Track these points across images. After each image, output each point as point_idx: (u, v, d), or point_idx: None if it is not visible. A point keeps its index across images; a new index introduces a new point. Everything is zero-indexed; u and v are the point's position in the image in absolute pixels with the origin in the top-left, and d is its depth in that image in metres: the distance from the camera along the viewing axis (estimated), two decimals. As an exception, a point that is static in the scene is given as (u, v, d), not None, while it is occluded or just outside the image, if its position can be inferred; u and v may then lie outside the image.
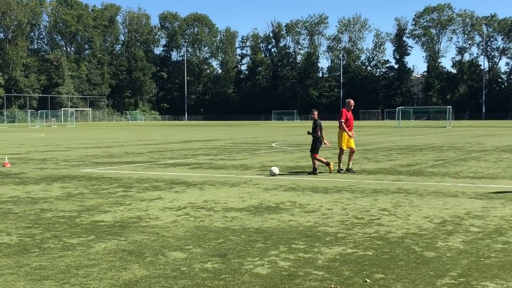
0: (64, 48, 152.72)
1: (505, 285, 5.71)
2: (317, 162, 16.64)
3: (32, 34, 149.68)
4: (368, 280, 5.84)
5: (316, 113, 17.25)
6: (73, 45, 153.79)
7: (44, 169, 18.37)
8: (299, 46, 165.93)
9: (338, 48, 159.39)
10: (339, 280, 5.87)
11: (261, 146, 30.64)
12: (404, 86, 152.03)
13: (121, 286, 5.68)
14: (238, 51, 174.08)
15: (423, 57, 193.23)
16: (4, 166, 19.00)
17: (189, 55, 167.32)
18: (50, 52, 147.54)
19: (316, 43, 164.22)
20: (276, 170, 15.78)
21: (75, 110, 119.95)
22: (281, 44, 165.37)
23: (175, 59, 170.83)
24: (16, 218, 9.51)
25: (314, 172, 16.27)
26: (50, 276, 6.04)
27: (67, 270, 6.29)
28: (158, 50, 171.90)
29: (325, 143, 16.99)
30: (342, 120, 17.21)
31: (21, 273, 6.16)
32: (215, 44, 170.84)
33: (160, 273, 6.13)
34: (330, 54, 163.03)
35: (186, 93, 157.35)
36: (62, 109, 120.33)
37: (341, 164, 17.12)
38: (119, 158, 22.58)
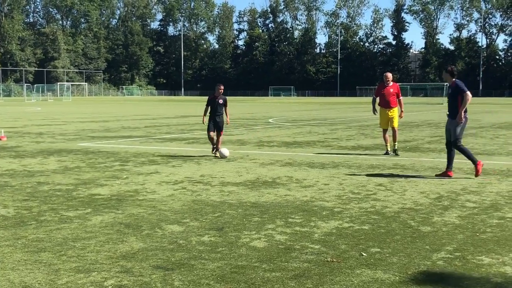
0: (60, 22, 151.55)
1: (500, 260, 5.74)
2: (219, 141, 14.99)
3: (28, 7, 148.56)
4: (364, 254, 5.87)
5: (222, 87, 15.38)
6: (69, 19, 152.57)
7: (40, 142, 18.34)
8: (297, 22, 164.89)
9: (336, 23, 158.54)
10: (335, 253, 5.90)
11: (258, 122, 30.62)
12: (402, 63, 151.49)
13: (118, 258, 5.70)
14: (235, 26, 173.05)
15: (421, 33, 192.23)
16: (0, 139, 18.95)
17: (185, 29, 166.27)
18: (46, 25, 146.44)
19: (314, 19, 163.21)
20: (226, 152, 14.29)
21: (71, 85, 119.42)
22: (279, 20, 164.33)
23: (172, 34, 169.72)
24: (13, 191, 9.51)
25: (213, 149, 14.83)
26: (47, 248, 6.05)
27: (64, 242, 6.31)
28: (154, 25, 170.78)
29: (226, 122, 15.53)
30: (373, 96, 15.68)
31: (19, 245, 6.17)
32: (212, 18, 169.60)
33: (157, 246, 6.15)
34: (328, 30, 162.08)
35: (182, 68, 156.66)
36: (58, 83, 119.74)
37: (387, 145, 15.16)
38: (115, 133, 22.55)
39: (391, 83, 15.21)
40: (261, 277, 5.15)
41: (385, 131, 15.26)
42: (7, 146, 17.18)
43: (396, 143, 15.20)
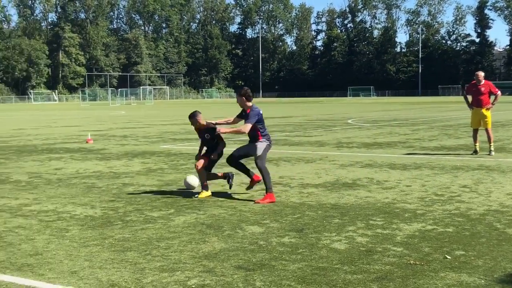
0: (142, 27, 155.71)
1: None
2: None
3: (112, 13, 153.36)
4: (448, 257, 5.74)
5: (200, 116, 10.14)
6: (151, 24, 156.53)
7: (125, 145, 18.89)
8: (376, 21, 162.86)
9: (417, 22, 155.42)
10: (418, 256, 5.80)
11: (337, 123, 30.42)
12: (486, 61, 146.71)
13: (200, 258, 5.80)
14: (313, 27, 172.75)
15: (505, 30, 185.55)
16: (87, 142, 19.66)
17: (264, 32, 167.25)
18: (129, 31, 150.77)
19: (394, 17, 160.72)
20: (193, 181, 10.02)
21: (153, 88, 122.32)
22: (358, 19, 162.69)
23: (250, 37, 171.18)
24: (100, 192, 9.85)
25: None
26: (133, 248, 6.23)
27: (149, 242, 6.48)
28: (233, 28, 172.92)
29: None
30: (464, 94, 15.41)
31: (106, 245, 6.39)
32: (290, 20, 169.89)
33: (238, 246, 6.23)
34: (408, 28, 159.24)
35: (261, 70, 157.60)
36: (141, 87, 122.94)
37: (476, 144, 14.76)
38: (196, 135, 22.84)
39: (483, 82, 14.80)
40: (343, 279, 5.13)
41: (475, 131, 14.90)
42: (93, 148, 17.79)
43: (491, 144, 14.74)
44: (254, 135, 9.18)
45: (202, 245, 6.30)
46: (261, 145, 9.11)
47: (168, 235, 6.79)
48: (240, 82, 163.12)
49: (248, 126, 9.01)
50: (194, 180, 9.88)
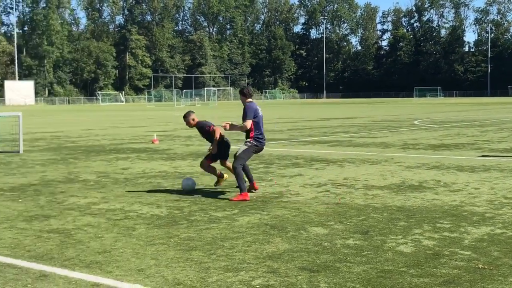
0: (207, 29, 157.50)
1: None
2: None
3: (177, 15, 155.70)
4: (519, 263, 5.56)
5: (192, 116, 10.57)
6: (215, 26, 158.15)
7: (189, 145, 19.13)
8: (443, 20, 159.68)
9: (485, 21, 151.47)
10: (487, 260, 5.64)
11: (403, 124, 29.95)
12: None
13: (264, 259, 5.81)
14: (379, 26, 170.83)
15: None
16: (153, 142, 20.01)
17: (328, 32, 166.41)
18: (194, 33, 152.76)
19: (462, 16, 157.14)
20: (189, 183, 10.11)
21: (217, 89, 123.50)
22: (424, 18, 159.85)
23: (314, 37, 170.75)
24: (165, 192, 10.00)
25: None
26: (198, 247, 6.30)
27: (214, 241, 6.54)
28: (297, 28, 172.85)
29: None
30: None
31: (171, 243, 6.48)
32: (354, 20, 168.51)
33: (302, 248, 6.21)
34: (477, 27, 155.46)
35: (325, 70, 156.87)
36: (205, 88, 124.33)
37: None
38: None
39: None
40: (409, 283, 5.04)
41: None
42: (159, 149, 18.08)
43: None
44: (247, 133, 9.57)
45: (266, 246, 6.31)
46: (244, 146, 9.47)
47: (232, 235, 6.83)
48: (304, 82, 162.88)
49: (249, 122, 9.40)
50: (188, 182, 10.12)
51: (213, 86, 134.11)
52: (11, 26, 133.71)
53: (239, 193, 9.17)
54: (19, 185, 11.00)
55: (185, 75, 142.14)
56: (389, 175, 11.67)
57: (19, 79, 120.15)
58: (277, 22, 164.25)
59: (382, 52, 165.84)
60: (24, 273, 5.44)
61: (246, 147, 9.44)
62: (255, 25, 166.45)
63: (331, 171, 12.39)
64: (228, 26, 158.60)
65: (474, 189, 9.82)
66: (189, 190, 9.94)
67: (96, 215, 8.07)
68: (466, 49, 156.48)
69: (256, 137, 9.46)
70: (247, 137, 9.54)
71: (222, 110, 60.96)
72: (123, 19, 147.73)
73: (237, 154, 9.42)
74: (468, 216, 7.66)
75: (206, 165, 10.20)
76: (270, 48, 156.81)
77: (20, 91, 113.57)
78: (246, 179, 9.62)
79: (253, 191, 9.75)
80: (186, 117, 10.40)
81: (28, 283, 5.15)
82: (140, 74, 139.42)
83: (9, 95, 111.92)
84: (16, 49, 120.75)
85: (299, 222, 7.43)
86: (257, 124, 9.48)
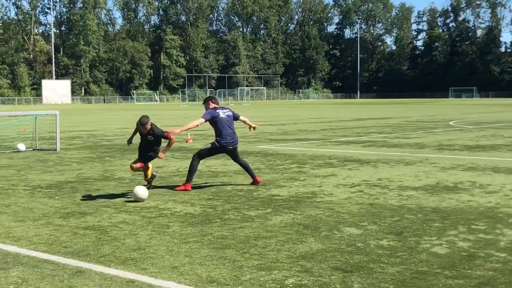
0: (241, 29, 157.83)
1: None
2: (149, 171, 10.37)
3: (211, 16, 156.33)
4: (557, 266, 5.47)
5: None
6: (249, 26, 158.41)
7: (223, 145, 19.17)
8: (479, 20, 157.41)
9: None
10: (524, 264, 5.57)
11: (438, 124, 29.63)
12: None
13: (298, 258, 5.82)
14: (414, 26, 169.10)
15: None
16: (187, 141, 20.14)
17: (362, 32, 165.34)
18: (228, 33, 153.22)
19: (498, 16, 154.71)
20: (141, 192, 9.07)
21: (251, 89, 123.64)
22: (460, 18, 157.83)
23: (348, 37, 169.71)
24: (199, 190, 10.07)
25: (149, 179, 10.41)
26: (231, 246, 6.33)
27: (247, 240, 6.56)
28: (331, 28, 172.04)
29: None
30: None
31: (205, 241, 6.53)
32: (389, 20, 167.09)
33: (335, 248, 6.20)
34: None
35: (358, 70, 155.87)
36: (239, 88, 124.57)
37: None
38: (292, 135, 23.00)
39: None
40: (443, 284, 5.00)
41: None
42: (193, 148, 18.19)
43: None
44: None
45: (299, 245, 6.31)
46: (208, 144, 10.54)
47: (266, 234, 6.85)
48: (338, 82, 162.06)
49: (197, 121, 10.40)
50: (142, 192, 9.03)
51: (247, 85, 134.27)
52: (48, 26, 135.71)
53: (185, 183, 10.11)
54: (56, 182, 11.18)
55: (218, 74, 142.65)
56: (424, 176, 11.56)
57: (56, 78, 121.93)
58: (311, 22, 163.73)
59: (417, 52, 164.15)
60: (61, 269, 5.54)
61: (208, 145, 10.52)
62: (289, 25, 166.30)
63: (365, 171, 12.33)
64: (262, 26, 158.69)
65: (510, 190, 9.68)
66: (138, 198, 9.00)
67: (131, 213, 8.17)
68: (503, 49, 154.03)
69: (220, 138, 10.34)
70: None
71: (255, 110, 61.04)
72: (158, 19, 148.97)
73: (199, 149, 10.62)
74: (504, 218, 7.56)
75: (136, 167, 10.14)
76: (304, 48, 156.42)
77: (57, 90, 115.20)
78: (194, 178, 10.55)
79: (256, 184, 10.51)
80: (146, 122, 9.97)
81: (65, 279, 5.24)
82: (175, 73, 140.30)
83: (46, 94, 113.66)
84: (53, 49, 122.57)
85: (332, 222, 7.42)
86: (216, 126, 10.41)
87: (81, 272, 5.43)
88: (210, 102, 10.81)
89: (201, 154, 10.40)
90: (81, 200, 9.26)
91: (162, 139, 10.22)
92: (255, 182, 10.54)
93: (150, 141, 10.04)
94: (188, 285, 5.06)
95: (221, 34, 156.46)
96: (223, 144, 10.33)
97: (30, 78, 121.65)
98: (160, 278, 5.25)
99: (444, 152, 16.17)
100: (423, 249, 6.11)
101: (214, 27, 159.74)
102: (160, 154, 10.06)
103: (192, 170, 10.20)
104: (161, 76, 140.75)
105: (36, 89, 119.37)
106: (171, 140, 10.10)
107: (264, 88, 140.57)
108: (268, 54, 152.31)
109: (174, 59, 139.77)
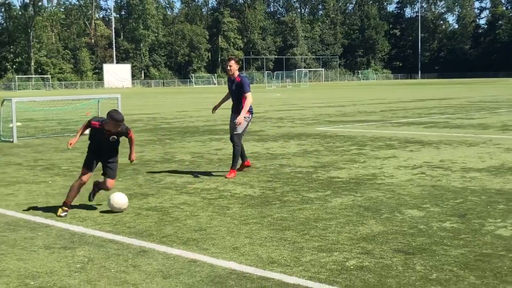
0: (298, 10, 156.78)
1: None
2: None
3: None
4: None
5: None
6: (307, 7, 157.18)
7: (281, 127, 19.20)
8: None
9: None
10: None
11: (502, 105, 28.83)
12: None
13: (358, 240, 5.78)
14: (477, 4, 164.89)
15: None
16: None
17: (423, 10, 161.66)
18: (285, 14, 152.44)
19: None
20: (118, 200, 7.33)
21: (308, 71, 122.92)
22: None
23: (409, 16, 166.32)
24: (258, 172, 10.11)
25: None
26: (291, 227, 6.35)
27: (307, 222, 6.56)
28: (391, 7, 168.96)
29: None
30: None
31: (265, 223, 6.56)
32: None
33: (397, 230, 6.13)
34: None
35: (419, 50, 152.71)
36: (296, 69, 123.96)
37: None
38: (352, 117, 22.79)
39: None
40: (508, 267, 4.89)
41: None
42: (251, 130, 18.24)
43: None
44: (240, 107, 9.74)
45: (360, 227, 6.27)
46: (244, 122, 9.75)
47: (325, 216, 6.83)
48: (398, 63, 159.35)
49: (251, 96, 9.83)
50: (121, 200, 7.35)
51: (304, 67, 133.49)
52: (109, 10, 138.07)
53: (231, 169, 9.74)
54: (118, 164, 11.38)
55: (276, 56, 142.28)
56: (488, 157, 11.29)
57: (117, 63, 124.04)
58: (370, 1, 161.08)
59: (480, 31, 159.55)
60: (125, 249, 5.67)
61: (246, 123, 9.90)
62: (348, 5, 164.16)
63: (426, 153, 12.12)
64: (320, 7, 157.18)
65: None
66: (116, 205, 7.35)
67: (191, 194, 8.28)
68: None
69: (251, 109, 9.90)
70: (240, 111, 9.69)
71: (313, 92, 60.71)
72: (215, 2, 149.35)
73: (238, 132, 9.81)
74: None
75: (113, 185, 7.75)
76: (363, 28, 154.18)
77: (118, 74, 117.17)
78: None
79: (245, 170, 10.17)
80: (123, 119, 7.62)
81: (129, 258, 5.37)
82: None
83: (107, 78, 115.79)
84: (113, 33, 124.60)
85: (393, 204, 7.34)
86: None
87: (144, 252, 5.55)
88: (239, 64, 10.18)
89: (243, 135, 10.02)
90: (143, 181, 9.44)
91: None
92: (244, 166, 10.18)
93: (111, 143, 7.71)
94: (249, 265, 5.10)
95: (278, 16, 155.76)
96: (253, 112, 10.11)
97: (91, 63, 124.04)
98: (221, 258, 5.31)
99: (509, 133, 15.74)
100: (487, 232, 5.98)
101: (272, 9, 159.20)
102: (133, 157, 8.14)
103: (238, 154, 9.77)
104: (219, 59, 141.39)
105: (98, 73, 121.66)
106: (132, 138, 8.01)
107: (322, 69, 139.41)
108: (327, 35, 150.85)
109: (231, 41, 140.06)
